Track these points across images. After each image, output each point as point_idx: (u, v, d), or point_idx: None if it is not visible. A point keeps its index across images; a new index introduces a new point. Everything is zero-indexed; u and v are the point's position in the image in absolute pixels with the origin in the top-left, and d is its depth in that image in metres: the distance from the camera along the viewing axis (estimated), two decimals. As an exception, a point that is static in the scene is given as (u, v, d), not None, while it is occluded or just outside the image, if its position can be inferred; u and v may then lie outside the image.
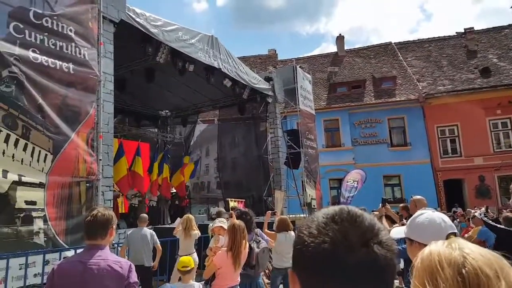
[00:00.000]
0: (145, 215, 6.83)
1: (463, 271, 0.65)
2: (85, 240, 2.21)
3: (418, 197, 4.08)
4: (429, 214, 1.69)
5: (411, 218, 1.79)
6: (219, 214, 5.88)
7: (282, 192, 12.76)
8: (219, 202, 14.35)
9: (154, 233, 6.53)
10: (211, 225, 5.68)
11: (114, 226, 2.21)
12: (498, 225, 5.09)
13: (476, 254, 0.67)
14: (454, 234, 1.53)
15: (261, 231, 4.41)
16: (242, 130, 15.13)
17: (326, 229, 0.64)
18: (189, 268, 3.55)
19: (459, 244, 0.71)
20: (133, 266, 2.17)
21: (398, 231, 1.88)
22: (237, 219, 4.18)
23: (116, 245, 6.98)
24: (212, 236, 4.85)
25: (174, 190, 12.82)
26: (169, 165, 13.32)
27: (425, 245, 1.61)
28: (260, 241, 4.17)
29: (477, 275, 0.63)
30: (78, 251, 5.89)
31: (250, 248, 3.90)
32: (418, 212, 1.78)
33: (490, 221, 5.80)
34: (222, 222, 4.33)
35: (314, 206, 14.55)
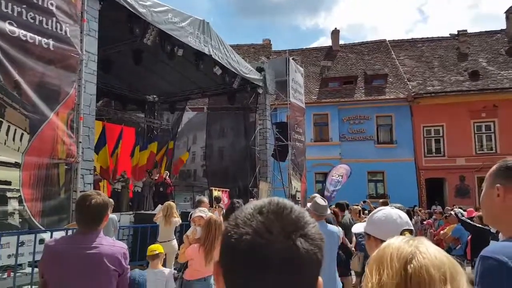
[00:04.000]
0: (110, 200, 6.74)
1: (409, 266, 0.67)
2: (78, 224, 2.13)
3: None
4: (386, 210, 1.71)
5: (371, 213, 1.81)
6: (199, 203, 5.77)
7: (267, 183, 12.73)
8: (204, 191, 14.23)
9: (116, 217, 6.42)
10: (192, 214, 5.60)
11: (109, 211, 2.15)
12: (474, 223, 5.18)
13: (429, 254, 0.68)
14: (410, 231, 1.55)
15: None
16: (231, 120, 14.98)
17: (250, 220, 0.61)
18: (156, 252, 3.52)
19: (417, 242, 0.72)
20: (127, 251, 2.16)
21: (358, 226, 1.89)
22: (229, 208, 4.10)
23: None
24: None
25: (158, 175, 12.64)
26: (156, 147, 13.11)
27: (381, 240, 1.61)
28: None
29: (420, 273, 0.65)
30: (55, 233, 5.75)
31: None
32: (378, 208, 1.80)
33: (468, 220, 5.91)
34: (202, 212, 4.24)
35: (298, 198, 14.59)
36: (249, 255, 0.58)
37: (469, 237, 5.67)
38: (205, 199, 6.22)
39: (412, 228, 1.62)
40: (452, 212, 6.50)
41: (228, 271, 0.62)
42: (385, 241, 1.54)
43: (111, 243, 2.13)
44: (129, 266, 2.23)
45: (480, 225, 4.98)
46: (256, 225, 0.60)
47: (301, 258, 0.58)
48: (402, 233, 1.48)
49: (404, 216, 1.62)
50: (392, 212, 1.63)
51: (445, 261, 0.68)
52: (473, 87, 19.90)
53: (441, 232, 7.34)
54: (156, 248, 3.54)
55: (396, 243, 0.74)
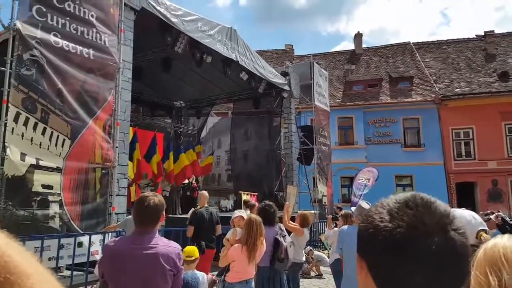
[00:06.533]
0: None
1: None
2: (136, 225, 2.21)
3: None
4: (459, 212, 1.69)
5: None
6: (246, 203, 5.86)
7: (295, 187, 12.65)
8: (229, 195, 14.33)
9: None
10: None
11: (164, 212, 2.23)
12: None
13: None
14: (485, 231, 1.50)
15: (282, 226, 4.36)
16: (256, 124, 15.06)
17: (400, 214, 0.62)
18: (193, 258, 3.56)
19: None
20: (181, 252, 2.24)
21: None
22: (260, 211, 4.14)
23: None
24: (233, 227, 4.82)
25: (186, 181, 12.84)
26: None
27: None
28: (285, 235, 4.12)
29: None
30: (93, 237, 5.95)
31: (278, 242, 3.86)
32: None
33: (510, 223, 5.69)
34: (242, 212, 4.30)
35: (325, 202, 14.45)
36: (405, 248, 0.58)
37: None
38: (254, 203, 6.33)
39: (487, 228, 1.59)
40: (492, 217, 6.26)
41: (378, 264, 0.62)
42: None
43: (166, 243, 2.18)
44: (182, 267, 2.28)
45: None
46: (408, 219, 0.60)
47: (459, 250, 0.59)
48: (478, 234, 1.46)
49: (477, 216, 1.60)
50: (465, 214, 1.60)
51: None
52: (503, 88, 19.17)
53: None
54: (192, 253, 3.58)
55: (503, 243, 0.74)
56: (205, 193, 6.30)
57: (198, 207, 6.01)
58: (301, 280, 6.51)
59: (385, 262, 0.60)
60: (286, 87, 13.22)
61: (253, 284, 3.67)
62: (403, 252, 0.58)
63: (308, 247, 9.26)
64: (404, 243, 0.59)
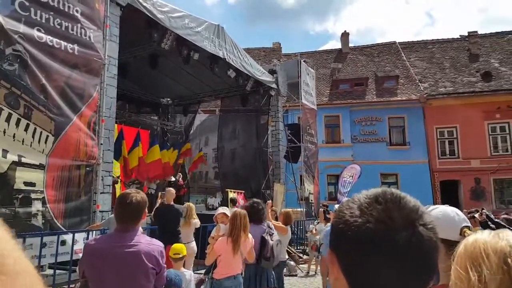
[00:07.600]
0: None
1: (509, 260, 0.67)
2: (117, 222, 2.17)
3: None
4: (442, 208, 1.65)
5: None
6: (233, 201, 5.91)
7: (282, 185, 12.74)
8: (216, 193, 14.31)
9: None
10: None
11: (146, 209, 2.20)
12: (505, 225, 5.11)
13: None
14: (468, 227, 1.50)
15: (271, 224, 4.34)
16: (243, 122, 15.05)
17: (369, 209, 0.62)
18: (180, 255, 3.53)
19: (506, 235, 0.73)
20: (163, 250, 2.20)
21: None
22: (248, 208, 4.15)
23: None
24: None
25: (173, 179, 12.76)
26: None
27: (441, 239, 1.59)
28: (273, 233, 4.12)
29: None
30: (77, 235, 5.87)
31: (264, 240, 3.87)
32: (431, 207, 1.74)
33: (494, 220, 5.82)
34: (225, 209, 4.31)
35: (311, 200, 14.57)
36: (373, 243, 0.59)
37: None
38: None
39: (470, 224, 1.59)
40: (477, 215, 6.38)
41: (348, 259, 0.62)
42: (446, 240, 1.48)
43: (148, 241, 2.16)
44: (165, 265, 2.27)
45: (509, 227, 4.93)
46: (377, 214, 0.61)
47: (426, 245, 0.60)
48: (462, 230, 1.46)
49: (460, 213, 1.59)
50: (448, 210, 1.59)
51: None
52: (486, 88, 19.63)
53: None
54: (180, 250, 3.56)
55: (483, 238, 0.74)
56: (171, 190, 6.39)
57: (160, 203, 6.12)
58: (288, 278, 6.58)
59: (354, 256, 0.61)
60: (274, 85, 13.26)
61: (241, 279, 3.68)
62: (371, 247, 0.59)
63: (312, 225, 9.42)
64: (372, 238, 0.59)
